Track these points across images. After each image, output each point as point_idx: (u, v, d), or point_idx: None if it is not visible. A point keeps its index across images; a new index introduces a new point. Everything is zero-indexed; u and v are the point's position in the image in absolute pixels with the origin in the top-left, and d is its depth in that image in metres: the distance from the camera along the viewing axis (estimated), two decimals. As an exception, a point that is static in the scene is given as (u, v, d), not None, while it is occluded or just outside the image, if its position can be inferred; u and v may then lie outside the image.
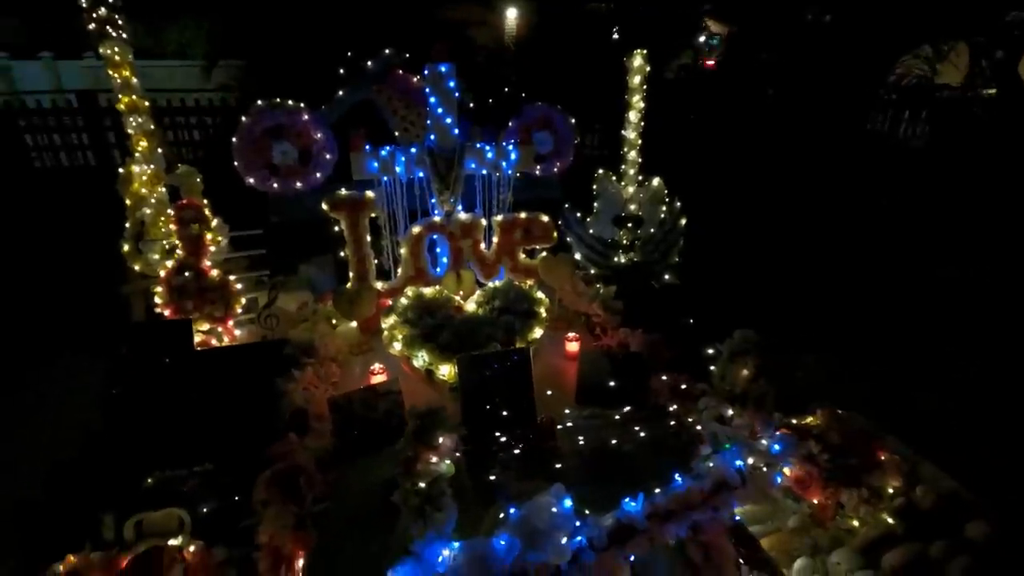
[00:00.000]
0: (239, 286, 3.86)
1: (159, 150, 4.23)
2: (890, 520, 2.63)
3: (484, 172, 4.05)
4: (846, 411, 3.09)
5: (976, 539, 2.50)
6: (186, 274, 3.67)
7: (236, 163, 4.05)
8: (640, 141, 5.34)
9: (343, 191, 3.74)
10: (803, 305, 5.24)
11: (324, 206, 3.71)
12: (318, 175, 4.12)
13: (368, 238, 3.87)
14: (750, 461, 1.77)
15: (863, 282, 5.98)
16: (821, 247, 6.89)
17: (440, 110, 3.76)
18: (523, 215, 4.11)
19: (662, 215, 4.89)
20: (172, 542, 2.31)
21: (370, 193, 3.78)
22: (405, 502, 1.59)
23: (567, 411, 3.04)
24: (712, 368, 1.98)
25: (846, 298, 5.60)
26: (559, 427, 2.85)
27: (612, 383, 3.15)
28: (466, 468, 2.57)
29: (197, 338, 3.72)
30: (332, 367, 3.40)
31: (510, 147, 4.06)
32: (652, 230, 4.83)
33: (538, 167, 5.01)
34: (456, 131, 3.85)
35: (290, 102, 4.07)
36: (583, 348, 3.39)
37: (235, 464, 2.65)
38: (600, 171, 5.44)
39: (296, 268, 4.93)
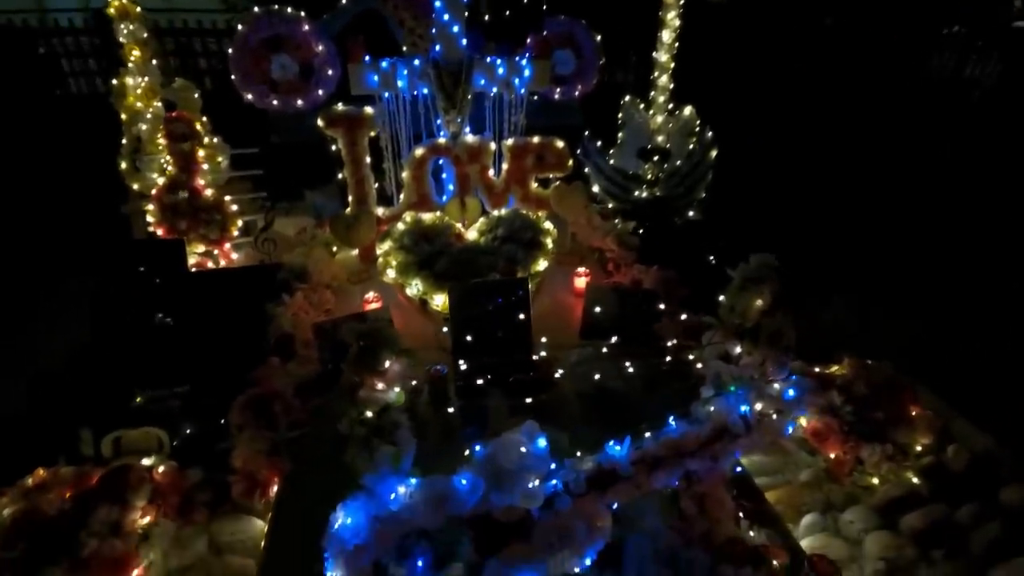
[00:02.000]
0: (235, 207, 3.69)
1: (154, 62, 4.00)
2: (915, 480, 2.40)
3: (495, 90, 3.70)
4: (876, 360, 2.82)
5: (1010, 504, 2.25)
6: (180, 193, 3.51)
7: (233, 77, 3.78)
8: (673, 65, 4.85)
9: (340, 106, 3.46)
10: (838, 247, 4.82)
11: (320, 123, 3.45)
12: (320, 92, 3.84)
13: (368, 160, 3.61)
14: (758, 407, 1.54)
15: (908, 226, 5.47)
16: (865, 188, 6.34)
17: (446, 16, 3.39)
18: (536, 140, 3.77)
19: (691, 147, 4.48)
20: (146, 461, 2.25)
21: (369, 109, 3.49)
22: (351, 432, 1.42)
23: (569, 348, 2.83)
24: (720, 298, 1.71)
25: (887, 242, 5.13)
26: (558, 363, 2.66)
27: (619, 321, 2.93)
28: (457, 401, 2.42)
29: (193, 260, 3.61)
30: (326, 294, 3.24)
31: (524, 62, 3.68)
32: (679, 163, 4.44)
33: (558, 90, 4.63)
34: (464, 42, 3.49)
35: (289, 10, 3.74)
36: (591, 283, 3.15)
37: (218, 387, 2.55)
38: (627, 98, 5.01)
39: (302, 195, 4.75)
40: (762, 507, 1.97)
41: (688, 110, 4.97)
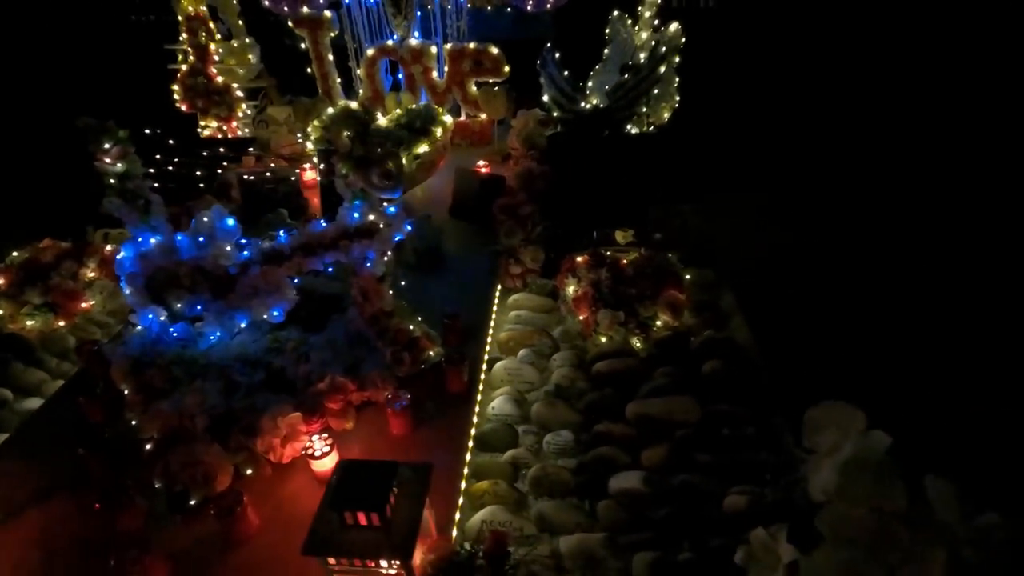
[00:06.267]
0: (240, 94, 4.70)
1: (202, -27, 5.03)
2: (638, 344, 2.79)
3: (437, -2, 4.21)
4: (663, 252, 3.12)
5: (704, 372, 2.59)
6: (198, 78, 4.58)
7: (254, -15, 4.68)
8: None
9: (305, 9, 4.23)
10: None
11: (289, 23, 4.26)
12: (321, 0, 4.62)
13: (330, 57, 4.38)
14: (371, 217, 2.11)
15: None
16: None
17: (390, -70, 3.94)
18: (472, 45, 4.24)
19: (641, 60, 4.59)
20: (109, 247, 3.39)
21: (327, 12, 4.21)
22: (109, 194, 2.26)
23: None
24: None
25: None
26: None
27: (476, 201, 3.50)
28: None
29: (207, 132, 4.73)
30: (280, 162, 4.17)
31: (461, -28, 4.12)
32: (626, 76, 4.60)
33: (530, 3, 4.93)
34: (407, -47, 4.02)
35: (297, -70, 4.49)
36: (459, 168, 3.71)
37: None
38: (615, 13, 5.14)
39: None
40: (456, 323, 2.57)
41: (674, 27, 4.99)
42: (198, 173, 3.84)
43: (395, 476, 1.44)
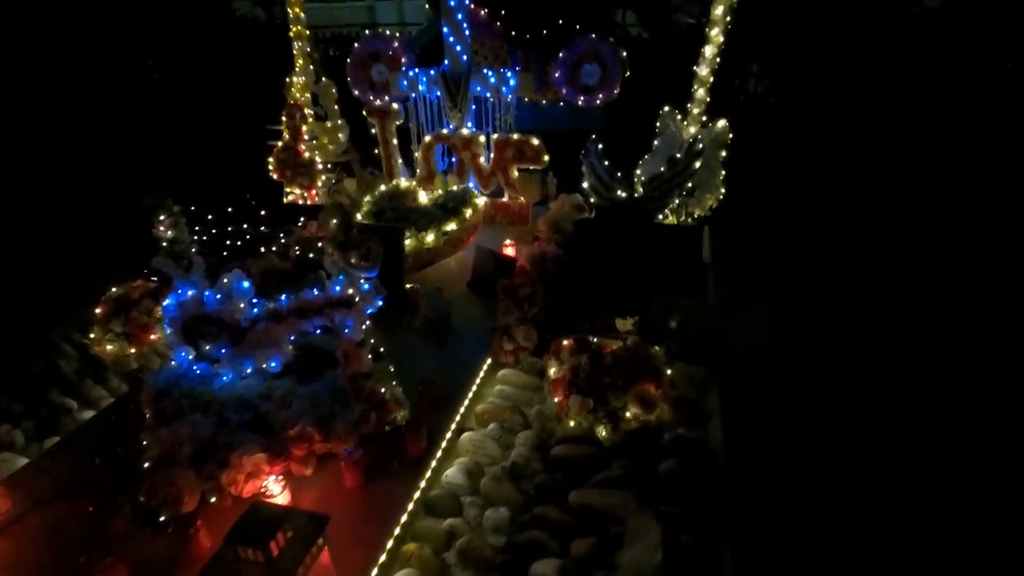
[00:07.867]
0: (321, 166, 5.46)
1: (311, 67, 6.01)
2: (603, 432, 2.84)
3: (489, 95, 4.71)
4: (646, 345, 3.17)
5: (661, 471, 2.60)
6: (289, 153, 5.41)
7: (348, 78, 5.53)
8: (712, 79, 5.16)
9: (377, 102, 4.91)
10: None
11: (364, 112, 4.96)
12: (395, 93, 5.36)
13: (395, 142, 5.01)
14: (349, 291, 2.42)
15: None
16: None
17: (451, 39, 4.54)
18: (516, 136, 4.67)
19: (678, 155, 4.75)
20: (184, 290, 4.05)
21: (395, 105, 4.87)
22: (160, 253, 2.78)
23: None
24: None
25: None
26: (420, 294, 3.70)
27: (491, 277, 3.79)
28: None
29: (291, 197, 5.50)
30: (338, 228, 4.76)
31: (510, 74, 4.60)
32: (662, 168, 4.77)
33: (581, 98, 5.33)
34: (465, 58, 4.59)
35: (387, 31, 5.32)
36: (479, 246, 4.03)
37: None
38: (665, 108, 5.40)
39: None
40: (431, 391, 2.80)
41: (721, 123, 5.18)
42: (264, 233, 4.49)
43: (286, 520, 1.67)
